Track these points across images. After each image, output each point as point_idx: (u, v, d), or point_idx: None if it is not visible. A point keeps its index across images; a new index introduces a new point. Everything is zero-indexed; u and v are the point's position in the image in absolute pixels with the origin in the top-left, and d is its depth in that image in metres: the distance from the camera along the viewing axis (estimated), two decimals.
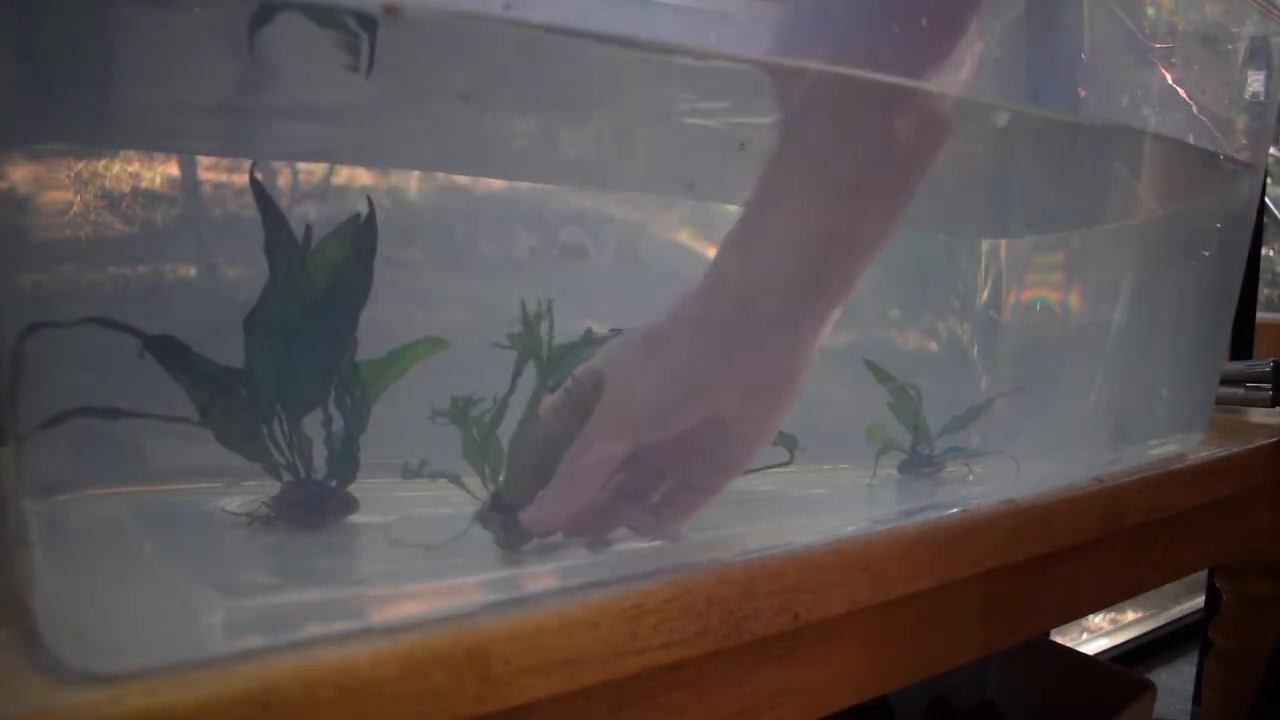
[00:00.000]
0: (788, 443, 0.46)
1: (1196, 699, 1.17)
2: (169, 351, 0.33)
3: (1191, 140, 0.57)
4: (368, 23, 0.31)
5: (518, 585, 0.35)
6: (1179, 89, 0.54)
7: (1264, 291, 1.75)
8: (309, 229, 0.34)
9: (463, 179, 0.41)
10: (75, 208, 0.32)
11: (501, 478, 0.36)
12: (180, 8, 0.32)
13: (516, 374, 0.35)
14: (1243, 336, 1.09)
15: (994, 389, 0.55)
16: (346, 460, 0.36)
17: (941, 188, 0.55)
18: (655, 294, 0.44)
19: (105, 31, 0.31)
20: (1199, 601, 1.36)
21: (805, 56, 0.34)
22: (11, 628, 0.28)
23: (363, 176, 0.38)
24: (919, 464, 0.52)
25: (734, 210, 0.36)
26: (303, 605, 0.31)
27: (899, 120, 0.34)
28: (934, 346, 0.57)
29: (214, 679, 0.25)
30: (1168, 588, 0.75)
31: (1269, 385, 0.80)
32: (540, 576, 0.35)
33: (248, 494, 0.36)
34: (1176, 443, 0.62)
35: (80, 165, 0.33)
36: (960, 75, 0.36)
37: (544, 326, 0.34)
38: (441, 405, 0.35)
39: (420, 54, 0.35)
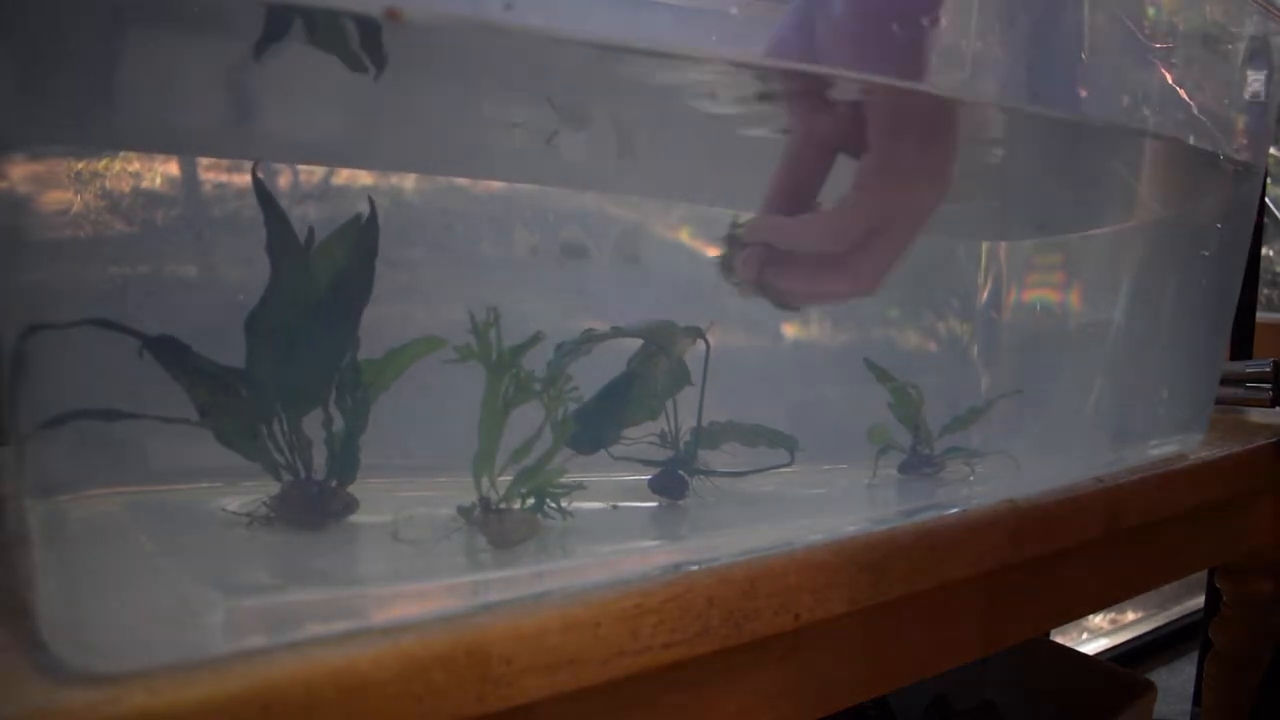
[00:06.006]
0: (788, 443, 0.46)
1: (1196, 699, 1.17)
2: (169, 351, 0.33)
3: (1191, 140, 0.57)
4: (370, 25, 0.31)
5: (515, 585, 0.34)
6: (1179, 89, 0.53)
7: (1264, 291, 1.75)
8: (311, 230, 0.34)
9: (462, 179, 0.41)
10: (75, 207, 0.32)
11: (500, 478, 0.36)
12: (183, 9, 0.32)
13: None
14: (1243, 336, 1.09)
15: (994, 389, 0.55)
16: (347, 460, 0.36)
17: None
18: (655, 294, 0.44)
19: (106, 33, 0.31)
20: (1199, 601, 1.35)
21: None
22: (12, 628, 0.28)
23: (363, 177, 0.38)
24: (919, 464, 0.52)
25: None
26: (303, 605, 0.31)
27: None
28: (934, 346, 0.57)
29: (214, 679, 0.25)
30: (1168, 588, 0.75)
31: (1269, 385, 0.80)
32: (538, 576, 0.35)
33: (248, 494, 0.36)
34: (1176, 443, 0.62)
35: (80, 165, 0.33)
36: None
37: (493, 333, 0.35)
38: (439, 405, 0.35)
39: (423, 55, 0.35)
